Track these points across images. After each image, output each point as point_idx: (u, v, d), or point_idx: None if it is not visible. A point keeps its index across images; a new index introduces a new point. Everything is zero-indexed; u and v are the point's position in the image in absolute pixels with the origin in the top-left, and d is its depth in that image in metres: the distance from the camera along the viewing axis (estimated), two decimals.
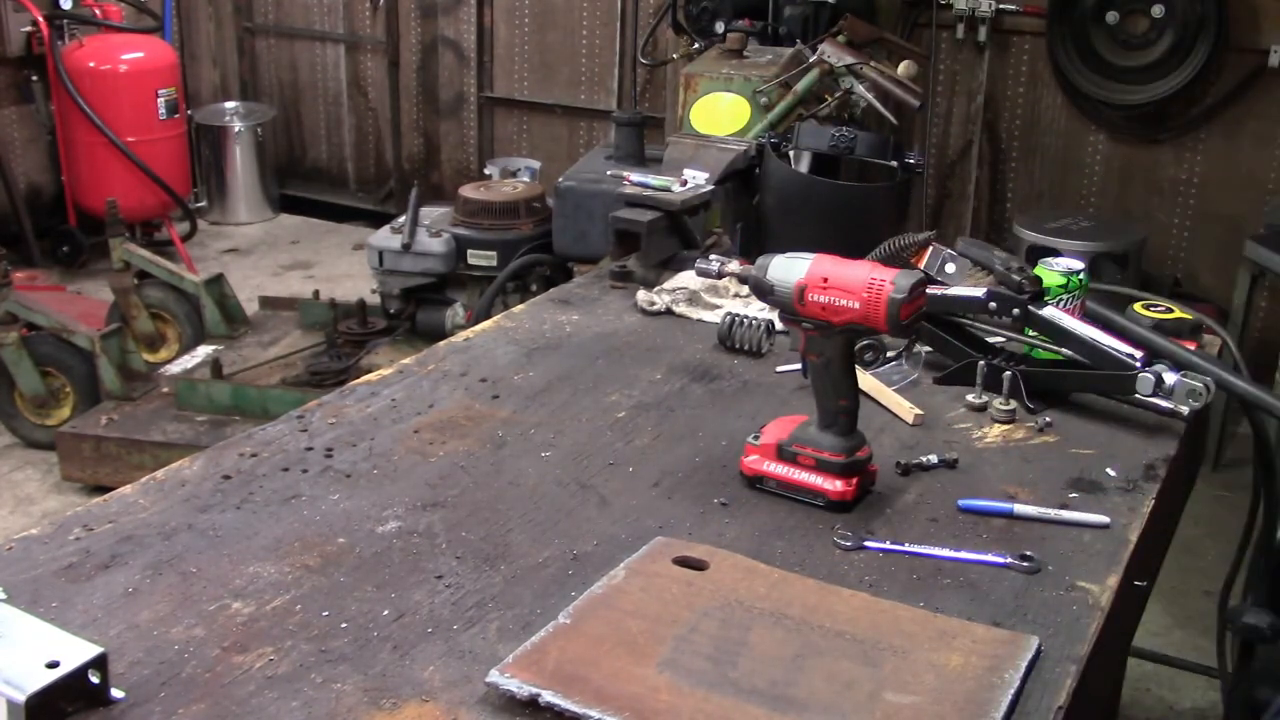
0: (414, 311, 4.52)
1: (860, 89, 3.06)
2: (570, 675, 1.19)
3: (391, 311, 4.56)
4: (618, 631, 1.27)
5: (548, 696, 1.16)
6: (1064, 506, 1.58)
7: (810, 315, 1.54)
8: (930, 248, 2.12)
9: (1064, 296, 1.93)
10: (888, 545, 1.48)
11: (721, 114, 2.99)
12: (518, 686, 1.17)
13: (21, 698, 1.07)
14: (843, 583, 1.40)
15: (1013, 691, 1.21)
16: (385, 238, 4.41)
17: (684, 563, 1.41)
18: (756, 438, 1.62)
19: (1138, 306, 2.11)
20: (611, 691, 1.17)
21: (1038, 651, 1.28)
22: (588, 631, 1.27)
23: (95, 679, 1.12)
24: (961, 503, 1.59)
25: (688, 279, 2.32)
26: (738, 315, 2.09)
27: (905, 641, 1.28)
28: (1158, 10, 4.60)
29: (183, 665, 1.21)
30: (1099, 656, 1.33)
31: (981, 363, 1.88)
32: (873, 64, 3.15)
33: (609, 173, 3.19)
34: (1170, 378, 1.74)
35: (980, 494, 1.61)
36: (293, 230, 6.74)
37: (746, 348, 2.07)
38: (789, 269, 1.55)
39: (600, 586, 1.35)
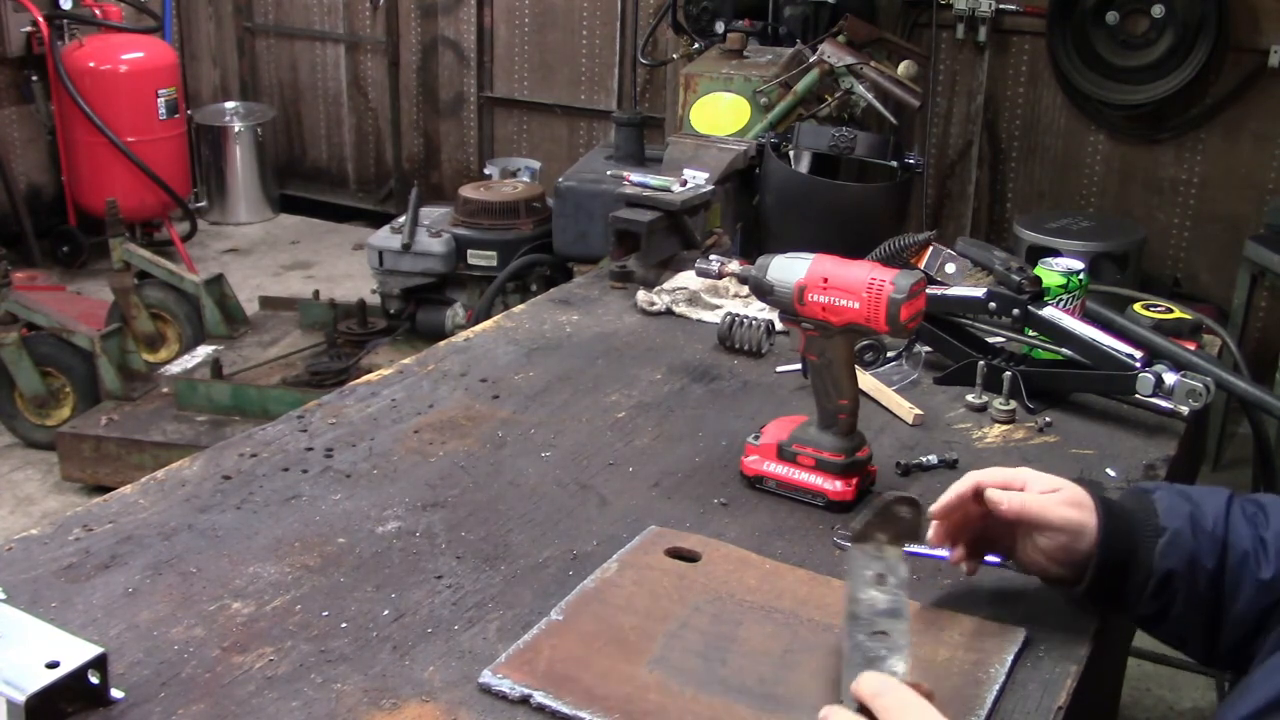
0: (414, 311, 4.53)
1: (860, 89, 3.06)
2: (561, 675, 1.19)
3: (391, 311, 4.56)
4: (609, 628, 1.27)
5: (539, 698, 1.16)
6: None
7: (810, 315, 1.54)
8: (930, 248, 2.12)
9: (1064, 296, 1.93)
10: None
11: (721, 114, 2.99)
12: (509, 687, 1.17)
13: (21, 698, 1.07)
14: None
15: (998, 687, 1.21)
16: (385, 238, 4.41)
17: (676, 554, 1.42)
18: (756, 438, 1.62)
19: (1138, 306, 2.11)
20: (602, 692, 1.18)
21: (1024, 644, 1.28)
22: (579, 628, 1.27)
23: (95, 679, 1.12)
24: None
25: (688, 279, 2.31)
26: (738, 315, 2.09)
27: None
28: (1158, 10, 4.60)
29: (183, 665, 1.21)
30: (1099, 657, 1.33)
31: (981, 363, 1.88)
32: (873, 64, 3.15)
33: (609, 173, 3.19)
34: (1170, 378, 1.74)
35: None
36: (293, 230, 6.74)
37: (746, 348, 2.07)
38: (789, 269, 1.55)
39: (593, 580, 1.36)
